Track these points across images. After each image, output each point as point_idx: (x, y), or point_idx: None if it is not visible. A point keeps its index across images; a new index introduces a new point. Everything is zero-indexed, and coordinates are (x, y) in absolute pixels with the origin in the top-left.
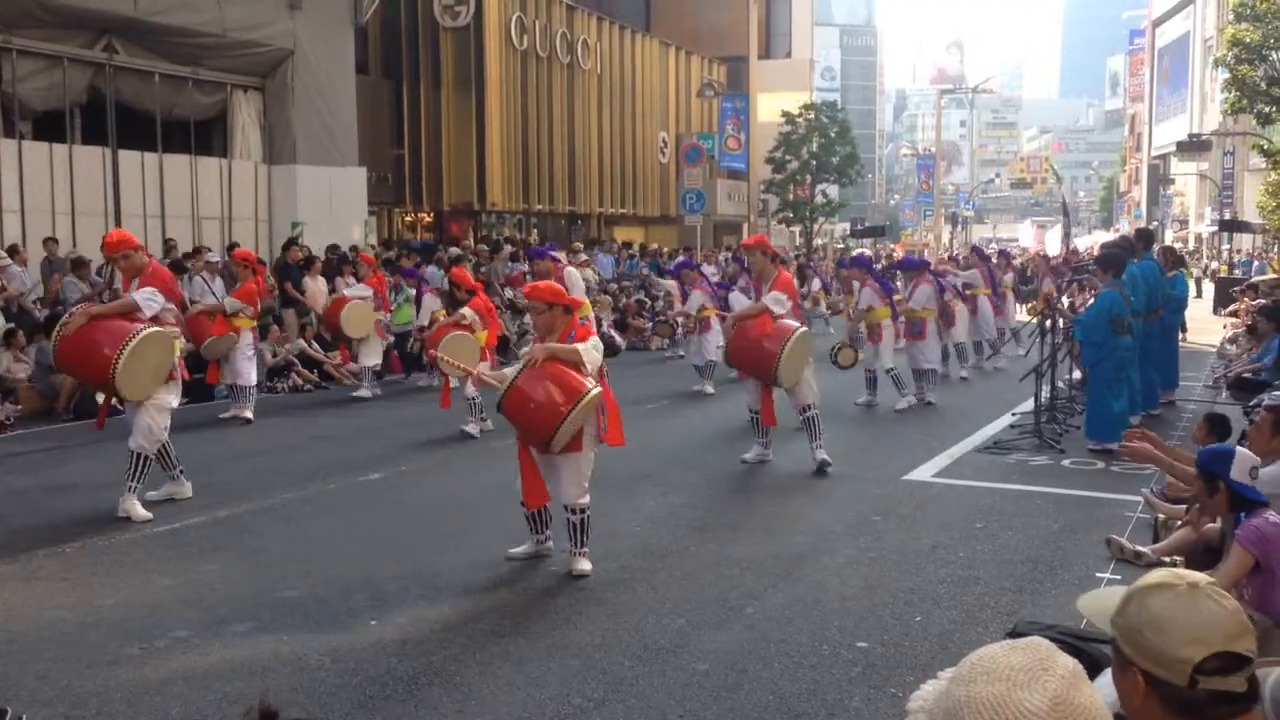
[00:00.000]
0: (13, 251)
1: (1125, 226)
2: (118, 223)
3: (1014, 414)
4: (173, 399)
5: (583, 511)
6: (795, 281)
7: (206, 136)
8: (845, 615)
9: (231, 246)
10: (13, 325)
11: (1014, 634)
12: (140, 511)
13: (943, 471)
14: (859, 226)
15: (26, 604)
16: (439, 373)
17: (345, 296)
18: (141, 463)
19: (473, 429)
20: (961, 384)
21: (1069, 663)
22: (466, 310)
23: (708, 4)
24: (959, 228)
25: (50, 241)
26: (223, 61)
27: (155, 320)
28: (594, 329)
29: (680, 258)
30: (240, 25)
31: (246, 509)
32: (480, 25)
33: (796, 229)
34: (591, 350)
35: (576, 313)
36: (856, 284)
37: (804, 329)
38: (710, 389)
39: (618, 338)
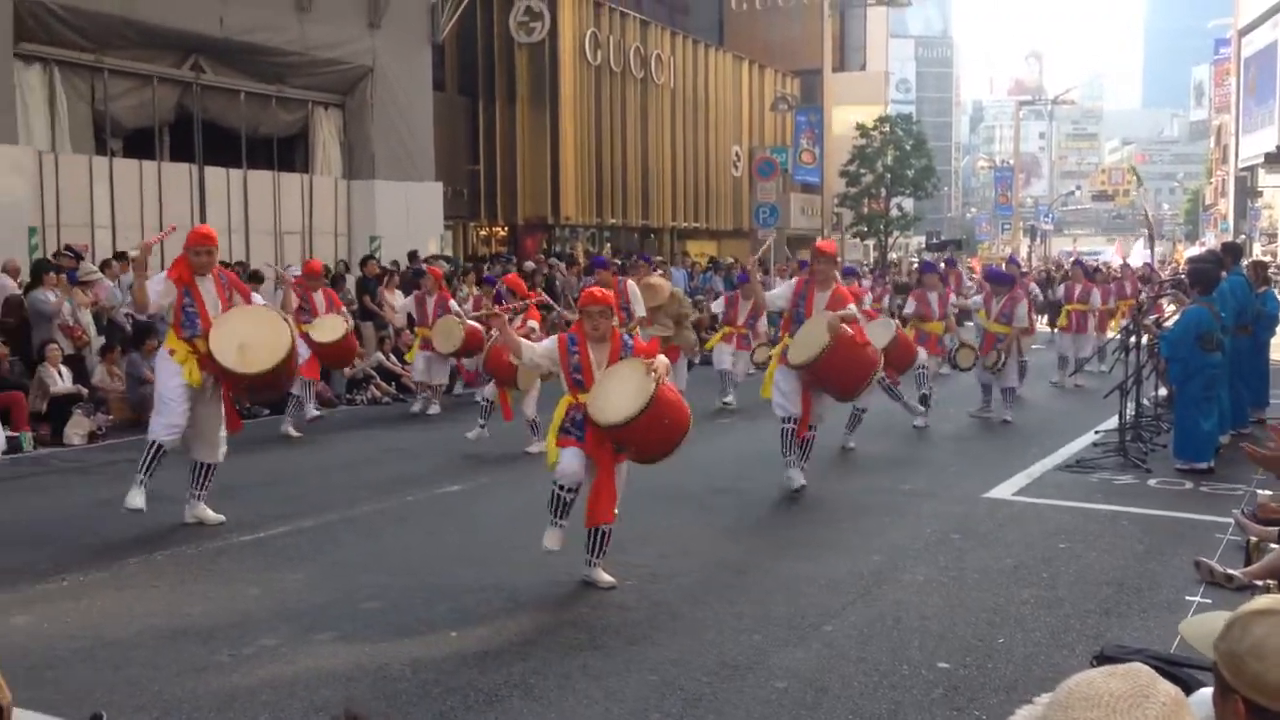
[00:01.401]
0: (105, 265)
1: (1211, 240)
2: None
3: (1097, 432)
4: None
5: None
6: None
7: (289, 153)
8: (926, 635)
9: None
10: (105, 338)
11: (1101, 658)
12: (212, 515)
13: (1024, 490)
14: (935, 240)
15: (119, 611)
16: (493, 387)
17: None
18: (211, 472)
19: (535, 449)
20: (1040, 402)
21: (1171, 690)
22: (533, 322)
23: (782, 18)
24: (1038, 241)
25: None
26: (305, 79)
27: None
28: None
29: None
30: (322, 44)
31: (329, 520)
32: (555, 41)
33: (871, 243)
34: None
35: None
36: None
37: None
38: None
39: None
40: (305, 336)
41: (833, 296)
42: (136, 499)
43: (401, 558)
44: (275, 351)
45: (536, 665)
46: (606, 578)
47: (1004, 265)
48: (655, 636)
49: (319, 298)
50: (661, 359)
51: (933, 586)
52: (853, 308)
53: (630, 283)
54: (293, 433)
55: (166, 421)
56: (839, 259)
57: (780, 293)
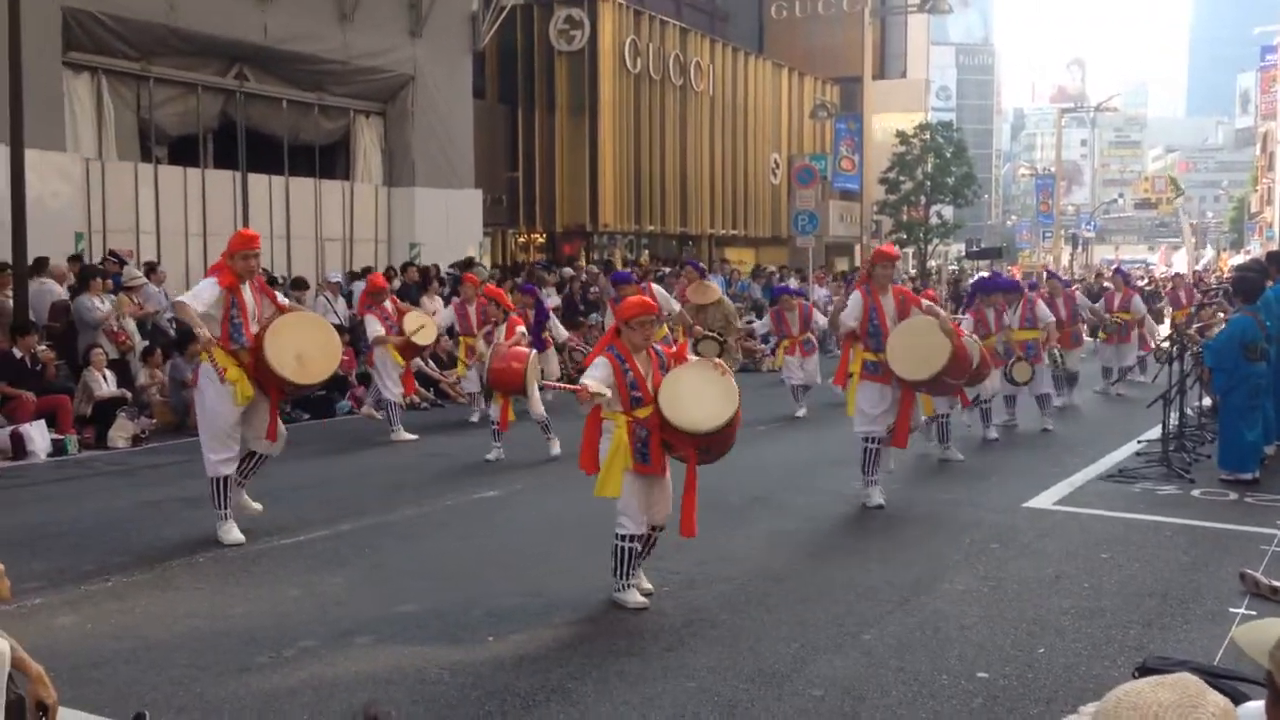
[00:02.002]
0: (149, 271)
1: (1257, 249)
2: None
3: (1140, 441)
4: None
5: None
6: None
7: (330, 160)
8: (965, 644)
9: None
10: (149, 342)
11: (1144, 669)
12: (252, 505)
13: (1065, 499)
14: (975, 248)
15: (163, 611)
16: (494, 397)
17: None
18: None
19: (556, 449)
20: (1082, 411)
21: (1220, 701)
22: (520, 328)
23: (822, 25)
24: (1079, 249)
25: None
26: (346, 88)
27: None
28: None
29: (780, 284)
30: (363, 52)
31: (367, 524)
32: (594, 49)
33: (910, 250)
34: None
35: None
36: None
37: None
38: (801, 412)
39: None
40: (410, 346)
41: (900, 299)
42: (233, 533)
43: (439, 562)
44: (332, 359)
45: (574, 670)
46: (645, 585)
47: (1041, 275)
48: (693, 643)
49: (390, 307)
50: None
51: (972, 596)
52: (932, 305)
53: (657, 287)
54: (375, 414)
55: (221, 457)
56: (898, 263)
57: (852, 312)
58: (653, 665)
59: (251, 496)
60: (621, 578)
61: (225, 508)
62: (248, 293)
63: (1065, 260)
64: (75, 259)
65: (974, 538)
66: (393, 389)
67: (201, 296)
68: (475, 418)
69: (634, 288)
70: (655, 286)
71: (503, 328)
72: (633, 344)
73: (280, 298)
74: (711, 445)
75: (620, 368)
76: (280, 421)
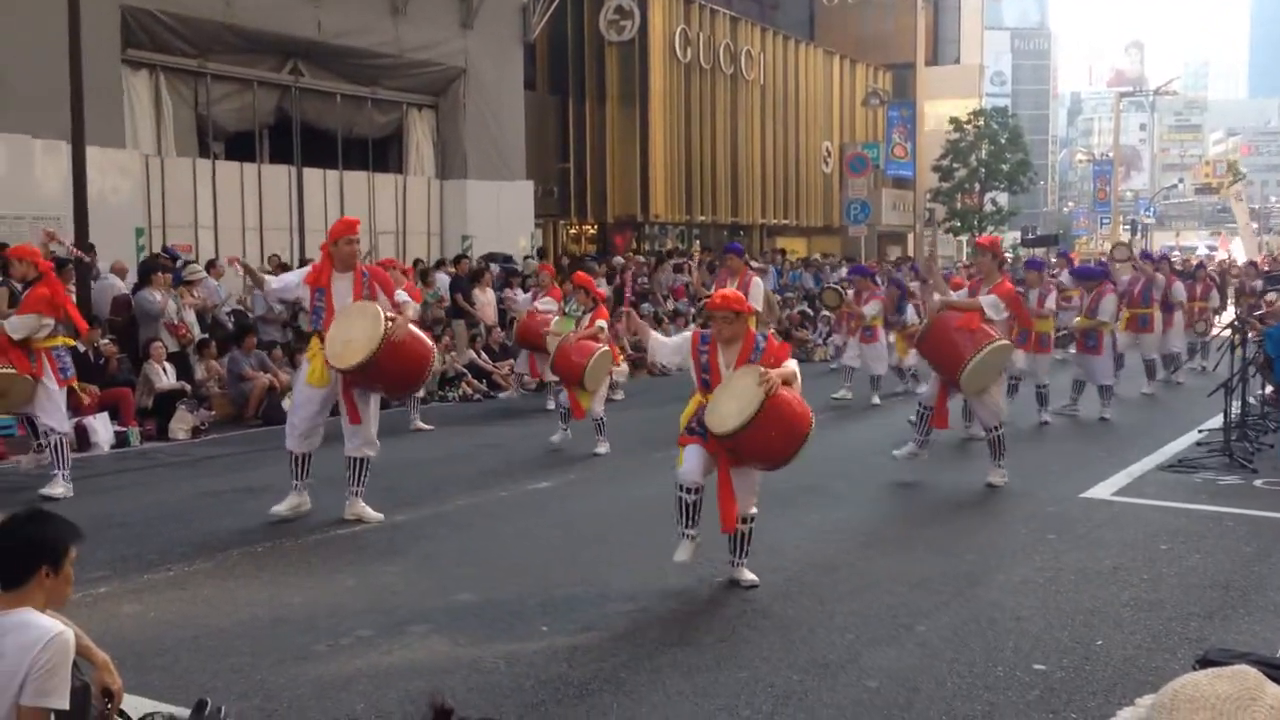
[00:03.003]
0: (209, 265)
1: None
2: (301, 238)
3: (1201, 430)
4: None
5: (752, 520)
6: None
7: (383, 153)
8: (1021, 636)
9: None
10: (207, 335)
11: (1204, 661)
12: (371, 513)
13: (1123, 490)
14: (1030, 235)
15: (223, 600)
16: (560, 388)
17: (535, 310)
18: (364, 466)
19: (603, 449)
20: (1143, 399)
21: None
22: (601, 322)
23: (874, 12)
24: (1138, 235)
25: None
26: (399, 81)
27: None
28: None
29: (852, 265)
30: (416, 45)
31: (422, 515)
32: (645, 39)
33: (964, 238)
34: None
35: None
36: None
37: (1006, 342)
38: (877, 400)
39: None
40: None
41: (997, 290)
42: (289, 501)
43: (493, 552)
44: (370, 342)
45: (627, 660)
46: (749, 576)
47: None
48: (745, 634)
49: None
50: (786, 367)
51: (1028, 587)
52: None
53: (755, 278)
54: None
55: (289, 427)
56: (999, 252)
57: (991, 301)
58: (706, 655)
59: (308, 485)
60: (680, 524)
61: (298, 478)
62: (343, 283)
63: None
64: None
65: (1030, 528)
66: None
67: (282, 277)
68: (552, 404)
69: (739, 261)
70: (756, 280)
71: (587, 317)
72: (720, 334)
73: (400, 295)
74: (733, 447)
75: (698, 348)
76: (367, 426)
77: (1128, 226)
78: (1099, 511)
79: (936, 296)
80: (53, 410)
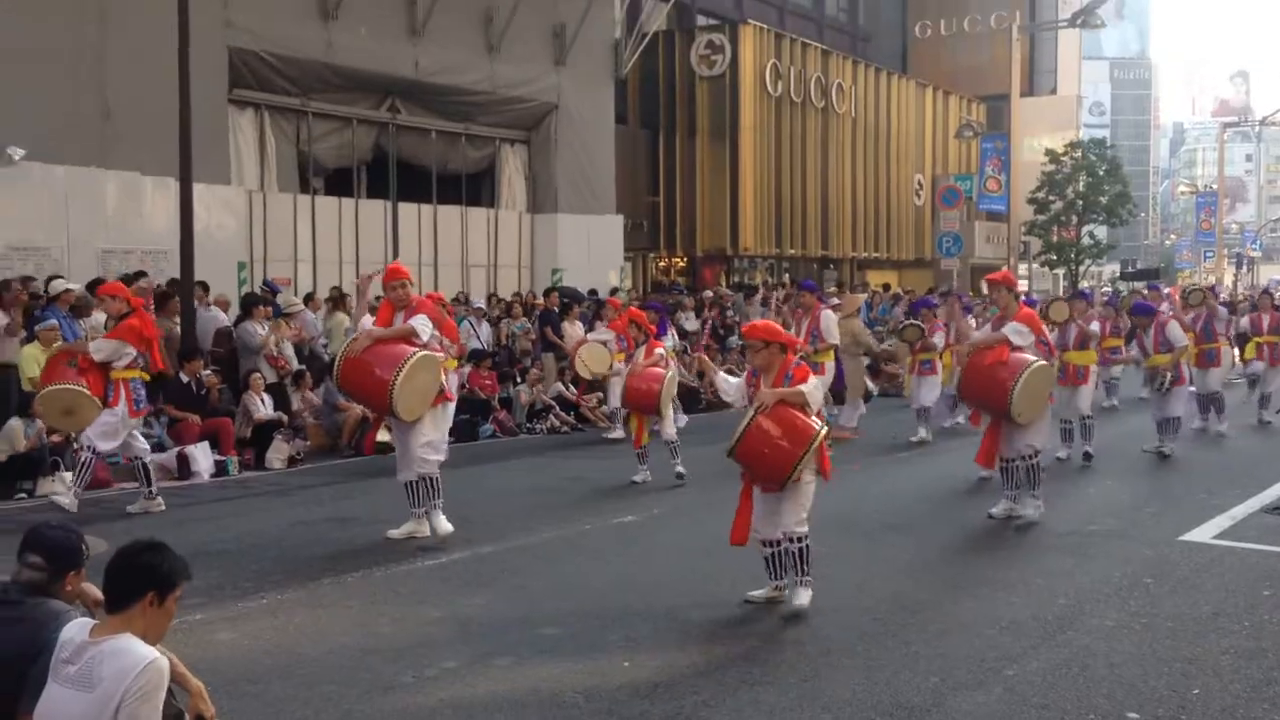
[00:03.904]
0: (307, 299)
1: None
2: None
3: None
4: (443, 426)
5: (802, 540)
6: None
7: (476, 188)
8: (1114, 683)
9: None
10: (303, 367)
11: None
12: (444, 525)
13: (1224, 533)
14: (1130, 269)
15: (314, 629)
16: (630, 417)
17: (584, 339)
18: (420, 487)
19: (679, 468)
20: (1242, 440)
21: None
22: (660, 350)
23: (968, 43)
24: (1244, 269)
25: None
26: (492, 117)
27: (426, 346)
28: (810, 370)
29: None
30: (509, 82)
31: (508, 546)
32: (735, 73)
33: (1060, 271)
34: (815, 390)
35: (792, 352)
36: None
37: (1043, 363)
38: (925, 435)
39: (869, 383)
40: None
41: (1017, 317)
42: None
43: (578, 585)
44: (425, 400)
45: (708, 698)
46: (803, 599)
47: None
48: (828, 674)
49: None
50: (796, 388)
51: (1122, 632)
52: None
53: (827, 312)
54: None
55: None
56: (1012, 284)
57: (1014, 328)
58: (788, 695)
59: (392, 520)
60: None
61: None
62: (400, 322)
63: (1228, 280)
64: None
65: (1126, 571)
66: None
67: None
68: (618, 433)
69: (811, 297)
70: (827, 313)
71: (642, 349)
72: (751, 361)
73: (417, 320)
74: (746, 467)
75: (750, 382)
76: (418, 446)
77: (1234, 260)
78: (1199, 555)
79: (965, 341)
80: (104, 433)
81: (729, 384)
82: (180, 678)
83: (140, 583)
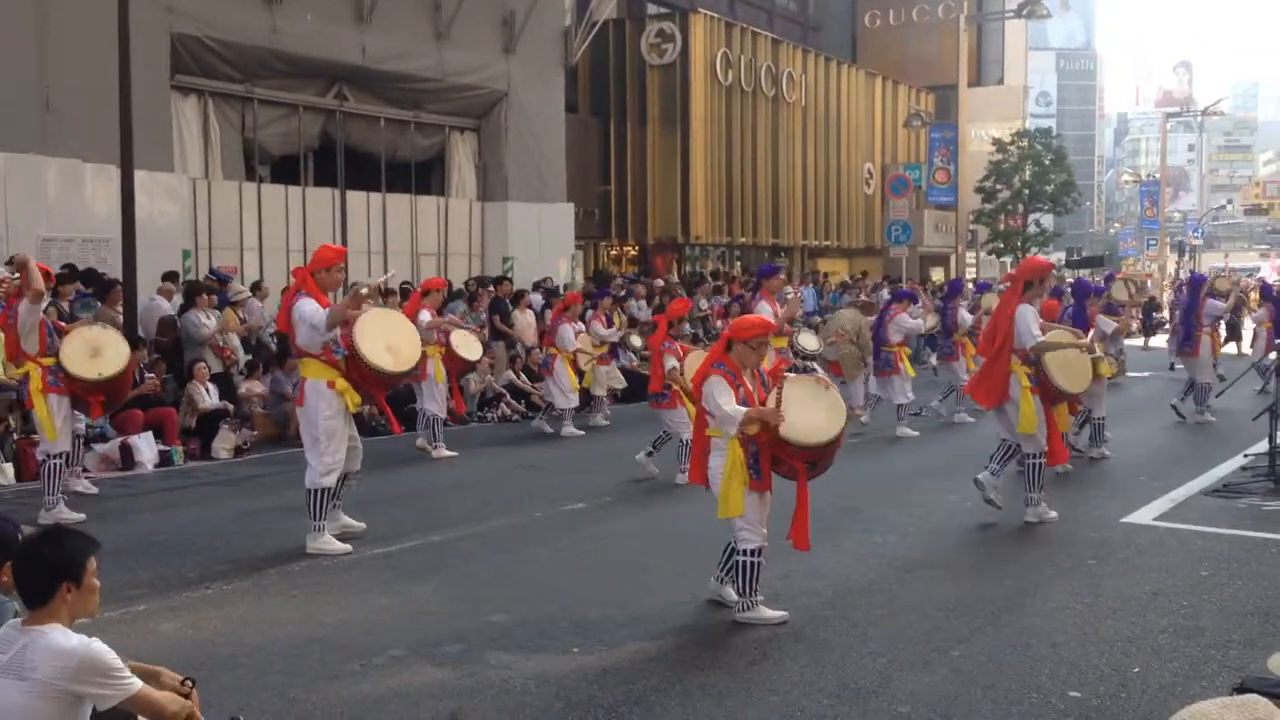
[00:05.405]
0: (255, 287)
1: None
2: (345, 260)
3: (1246, 455)
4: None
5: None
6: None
7: (425, 176)
8: (1057, 663)
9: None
10: (251, 356)
11: (1241, 690)
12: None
13: (1165, 515)
14: (1075, 256)
15: (259, 618)
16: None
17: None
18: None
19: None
20: (1184, 426)
21: None
22: (673, 360)
23: (916, 33)
24: (1186, 256)
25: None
26: (442, 105)
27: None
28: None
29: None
30: (458, 70)
31: (458, 535)
32: (686, 62)
33: (1007, 260)
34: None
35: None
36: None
37: (1059, 329)
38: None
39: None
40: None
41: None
42: (333, 544)
43: (527, 573)
44: (415, 344)
45: (657, 683)
46: (734, 594)
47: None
48: (777, 657)
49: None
50: (819, 378)
51: (1065, 613)
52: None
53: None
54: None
55: (330, 461)
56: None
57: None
58: (737, 679)
59: (346, 509)
60: (751, 594)
61: (321, 519)
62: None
63: (1170, 268)
64: (171, 276)
65: (1069, 553)
66: (439, 404)
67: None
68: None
69: (778, 281)
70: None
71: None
72: (743, 361)
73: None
74: (819, 459)
75: (733, 384)
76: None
77: (1176, 248)
78: (1140, 537)
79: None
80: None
81: (729, 417)
82: (146, 676)
83: (48, 578)
